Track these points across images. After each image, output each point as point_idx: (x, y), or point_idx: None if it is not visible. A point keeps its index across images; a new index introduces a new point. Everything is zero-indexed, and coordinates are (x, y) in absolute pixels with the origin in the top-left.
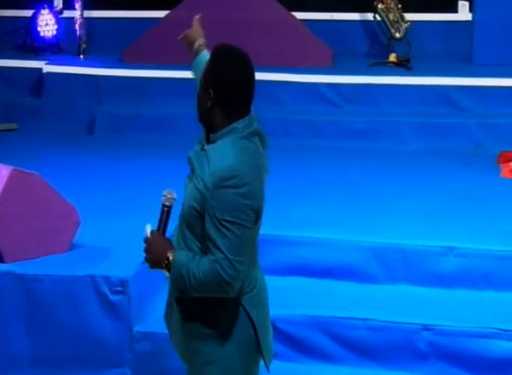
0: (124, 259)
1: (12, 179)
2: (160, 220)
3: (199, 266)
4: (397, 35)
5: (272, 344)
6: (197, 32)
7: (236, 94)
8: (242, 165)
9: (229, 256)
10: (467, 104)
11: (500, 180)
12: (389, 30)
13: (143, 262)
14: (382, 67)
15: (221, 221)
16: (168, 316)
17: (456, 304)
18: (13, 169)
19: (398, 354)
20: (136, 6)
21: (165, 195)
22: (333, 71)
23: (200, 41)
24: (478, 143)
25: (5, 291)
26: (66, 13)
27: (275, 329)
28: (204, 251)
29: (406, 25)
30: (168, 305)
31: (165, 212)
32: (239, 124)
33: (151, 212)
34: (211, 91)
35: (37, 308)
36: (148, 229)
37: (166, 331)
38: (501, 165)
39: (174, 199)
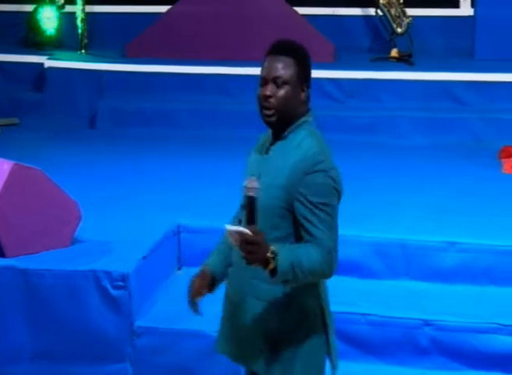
0: (125, 254)
1: (13, 174)
2: (250, 213)
3: (308, 254)
4: (399, 30)
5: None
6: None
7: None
8: (324, 150)
9: (334, 237)
10: (469, 99)
11: (502, 175)
12: (391, 25)
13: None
14: (384, 62)
15: (317, 205)
16: (229, 333)
17: (457, 299)
18: (14, 164)
19: (399, 349)
20: (138, 1)
21: (247, 186)
22: (335, 66)
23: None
24: (480, 138)
25: (7, 286)
26: (68, 8)
27: None
28: None
29: (408, 20)
30: (237, 318)
31: (253, 204)
32: (308, 117)
33: (153, 207)
34: (305, 84)
35: (38, 302)
36: (229, 227)
37: (167, 326)
38: (503, 160)
39: (258, 189)
